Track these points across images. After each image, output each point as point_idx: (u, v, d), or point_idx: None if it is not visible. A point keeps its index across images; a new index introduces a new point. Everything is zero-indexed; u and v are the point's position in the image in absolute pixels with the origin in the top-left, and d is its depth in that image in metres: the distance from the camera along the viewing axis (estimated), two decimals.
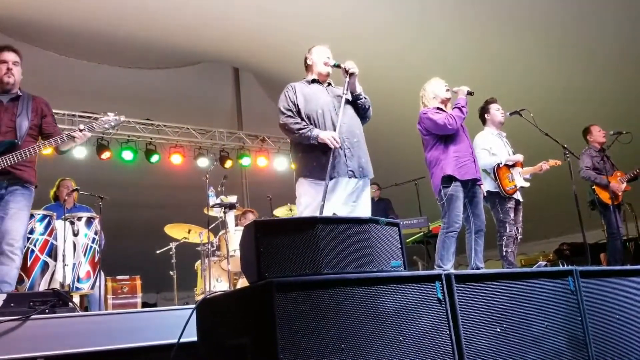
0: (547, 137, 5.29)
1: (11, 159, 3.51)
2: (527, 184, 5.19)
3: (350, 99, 3.77)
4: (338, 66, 3.73)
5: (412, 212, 7.84)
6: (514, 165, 5.14)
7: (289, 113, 3.66)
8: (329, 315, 1.96)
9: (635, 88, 7.91)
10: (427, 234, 7.41)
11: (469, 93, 4.66)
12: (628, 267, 3.42)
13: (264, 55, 9.23)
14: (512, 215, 5.02)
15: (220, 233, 6.15)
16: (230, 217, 5.97)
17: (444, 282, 2.29)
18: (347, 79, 3.67)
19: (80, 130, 3.72)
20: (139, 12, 7.87)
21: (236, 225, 6.20)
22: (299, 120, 3.64)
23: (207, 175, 5.96)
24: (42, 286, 4.43)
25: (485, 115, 5.39)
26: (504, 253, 4.95)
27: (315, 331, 1.91)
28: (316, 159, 3.59)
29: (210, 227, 5.99)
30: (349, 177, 3.61)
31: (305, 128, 3.60)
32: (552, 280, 2.69)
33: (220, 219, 6.10)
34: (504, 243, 4.95)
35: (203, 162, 9.34)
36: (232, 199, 5.86)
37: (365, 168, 3.70)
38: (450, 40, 7.95)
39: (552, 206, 6.40)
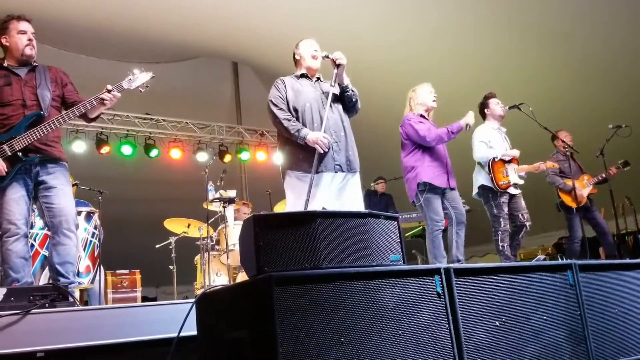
0: (546, 132, 5.30)
1: (39, 131, 3.31)
2: (521, 181, 5.19)
3: (337, 92, 3.77)
4: (326, 57, 3.75)
5: (410, 206, 7.84)
6: (510, 162, 5.15)
7: (280, 106, 3.68)
8: (328, 309, 1.96)
9: (634, 83, 7.90)
10: None
11: (468, 126, 4.64)
12: (627, 260, 3.43)
13: (263, 49, 9.21)
14: (505, 210, 5.04)
15: (219, 227, 6.16)
16: (230, 211, 5.98)
17: (443, 276, 2.29)
18: (335, 70, 3.69)
19: (109, 91, 3.48)
20: (138, 6, 7.84)
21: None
22: (289, 115, 3.67)
23: (206, 170, 5.97)
24: (42, 280, 4.44)
25: (485, 110, 5.41)
26: (500, 248, 4.99)
27: (314, 325, 1.91)
28: (303, 151, 3.61)
29: (209, 222, 6.00)
30: (335, 172, 3.62)
31: (294, 125, 3.61)
32: (551, 274, 2.70)
33: (220, 213, 6.11)
34: (499, 238, 5.00)
35: (202, 157, 9.34)
36: (231, 193, 5.87)
37: (352, 161, 3.72)
38: (445, 34, 7.92)
39: (550, 200, 6.40)
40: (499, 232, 4.99)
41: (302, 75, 3.84)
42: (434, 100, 4.78)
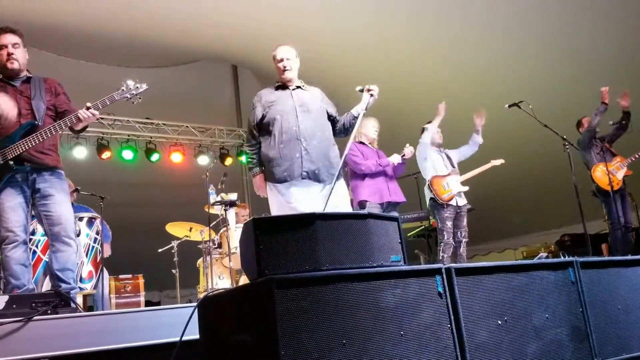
0: (546, 129, 5.29)
1: (32, 141, 3.34)
2: (465, 188, 5.47)
3: (362, 114, 3.80)
4: (361, 90, 3.76)
5: (412, 205, 7.85)
6: (448, 174, 5.49)
7: (251, 132, 3.87)
8: (329, 311, 1.96)
9: (634, 80, 7.89)
10: (428, 228, 7.41)
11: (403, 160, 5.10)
12: (629, 257, 3.42)
13: (262, 52, 9.18)
14: (449, 224, 5.35)
15: (221, 230, 6.16)
16: (231, 214, 5.98)
17: (444, 275, 2.29)
18: (369, 100, 3.71)
19: (88, 109, 3.42)
20: (137, 11, 7.85)
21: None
22: (254, 142, 3.85)
23: (207, 173, 5.97)
24: (45, 287, 4.44)
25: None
26: (440, 258, 5.27)
27: (316, 327, 1.92)
28: (271, 160, 3.71)
29: (211, 225, 6.00)
30: (303, 179, 3.63)
31: (252, 160, 3.85)
32: (552, 271, 2.69)
33: (221, 217, 6.11)
34: (441, 249, 5.32)
35: (203, 160, 9.36)
36: (233, 196, 5.87)
37: (322, 172, 3.66)
38: (444, 32, 7.91)
39: (552, 197, 6.39)
40: (442, 243, 5.34)
41: (279, 87, 3.89)
42: (375, 132, 5.27)
